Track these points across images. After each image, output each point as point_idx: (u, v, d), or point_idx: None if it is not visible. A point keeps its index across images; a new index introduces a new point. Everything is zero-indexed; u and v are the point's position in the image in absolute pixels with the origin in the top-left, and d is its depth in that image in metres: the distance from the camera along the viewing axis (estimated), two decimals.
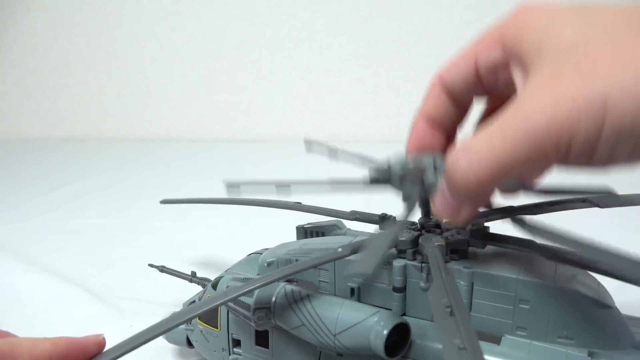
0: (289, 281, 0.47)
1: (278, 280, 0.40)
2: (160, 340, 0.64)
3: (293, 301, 0.42)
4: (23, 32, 2.16)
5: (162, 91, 2.12)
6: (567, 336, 0.37)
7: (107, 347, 0.38)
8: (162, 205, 1.42)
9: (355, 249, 0.41)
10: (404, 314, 0.43)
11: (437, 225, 0.45)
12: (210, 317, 0.53)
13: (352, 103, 1.98)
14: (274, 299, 0.43)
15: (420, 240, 0.42)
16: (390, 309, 0.42)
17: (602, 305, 0.37)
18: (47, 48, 2.16)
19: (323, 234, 0.57)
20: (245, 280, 0.46)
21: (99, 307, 0.83)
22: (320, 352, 0.45)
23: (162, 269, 0.74)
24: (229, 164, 1.71)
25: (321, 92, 1.99)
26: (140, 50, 2.08)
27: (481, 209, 0.43)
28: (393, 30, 1.87)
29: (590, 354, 0.36)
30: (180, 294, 0.74)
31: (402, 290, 0.42)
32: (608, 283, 0.39)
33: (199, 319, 0.55)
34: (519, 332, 0.38)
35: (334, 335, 0.40)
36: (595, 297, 0.37)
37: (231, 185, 0.58)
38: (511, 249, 0.42)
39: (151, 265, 0.76)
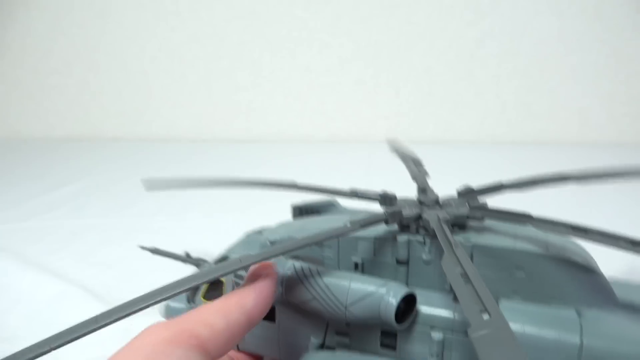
0: (295, 259, 0.47)
1: (285, 253, 0.40)
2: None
3: (303, 276, 0.43)
4: (23, 32, 2.16)
5: (162, 91, 2.12)
6: (557, 298, 0.41)
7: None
8: (162, 205, 1.43)
9: (362, 224, 0.42)
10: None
11: (437, 202, 0.47)
12: (216, 295, 0.53)
13: (352, 103, 1.98)
14: (284, 274, 0.44)
15: (423, 215, 0.44)
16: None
17: (589, 269, 0.41)
18: (47, 48, 2.16)
19: (319, 212, 0.58)
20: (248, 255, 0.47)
21: (99, 307, 0.83)
22: (328, 323, 0.46)
23: (155, 251, 0.74)
24: (229, 164, 1.71)
25: (321, 92, 1.99)
26: (140, 50, 2.08)
27: (477, 188, 0.48)
28: (393, 30, 1.87)
29: (578, 313, 0.39)
30: None
31: (405, 263, 0.44)
32: (593, 250, 0.43)
33: (203, 297, 0.55)
34: (514, 296, 0.42)
35: (345, 307, 0.42)
36: (583, 263, 0.41)
37: (151, 184, 0.62)
38: (507, 221, 0.44)
39: (143, 248, 0.75)
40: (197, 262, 0.69)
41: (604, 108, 1.81)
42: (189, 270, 0.79)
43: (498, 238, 0.43)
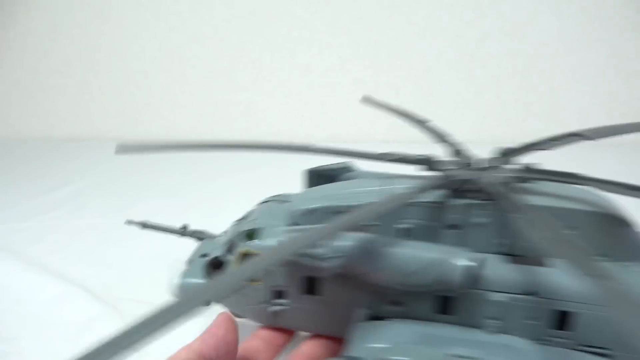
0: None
1: (351, 227, 0.40)
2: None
3: (367, 247, 0.43)
4: (23, 32, 2.16)
5: (162, 91, 2.12)
6: (604, 254, 0.43)
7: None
8: (162, 205, 1.43)
9: (422, 189, 0.42)
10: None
11: (486, 164, 0.47)
12: None
13: (352, 103, 1.97)
14: (344, 245, 0.43)
15: (480, 179, 0.44)
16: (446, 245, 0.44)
17: (630, 224, 0.44)
18: (47, 48, 2.16)
19: (333, 178, 0.56)
20: (312, 229, 0.44)
21: (99, 307, 0.83)
22: (380, 292, 0.45)
23: (145, 225, 0.71)
24: (229, 164, 1.71)
25: (321, 92, 1.99)
26: (140, 50, 2.08)
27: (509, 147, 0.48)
28: (393, 30, 1.87)
29: (623, 267, 0.42)
30: None
31: (457, 227, 0.44)
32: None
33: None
34: None
35: (410, 275, 0.42)
36: (626, 219, 0.43)
37: (123, 148, 0.59)
38: (562, 181, 0.45)
39: (130, 222, 0.72)
40: (198, 236, 0.66)
41: (604, 108, 1.81)
42: (188, 247, 0.76)
43: (549, 199, 0.44)
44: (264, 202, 0.60)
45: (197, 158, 1.85)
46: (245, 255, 0.50)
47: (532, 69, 1.82)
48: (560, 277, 0.41)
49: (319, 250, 0.43)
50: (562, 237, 0.34)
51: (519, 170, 0.46)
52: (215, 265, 0.56)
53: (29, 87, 2.23)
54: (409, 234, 0.45)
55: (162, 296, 0.84)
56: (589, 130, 0.50)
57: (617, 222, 0.43)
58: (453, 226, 0.44)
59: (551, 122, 1.86)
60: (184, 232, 0.66)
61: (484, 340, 0.41)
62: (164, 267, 0.96)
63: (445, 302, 0.44)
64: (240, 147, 0.58)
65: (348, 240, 0.43)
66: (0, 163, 1.85)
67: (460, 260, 0.41)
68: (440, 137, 0.56)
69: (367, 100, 0.69)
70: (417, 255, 0.42)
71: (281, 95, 2.02)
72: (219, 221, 1.14)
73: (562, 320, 0.41)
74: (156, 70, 2.10)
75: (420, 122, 0.61)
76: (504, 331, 0.42)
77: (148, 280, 0.89)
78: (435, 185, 0.44)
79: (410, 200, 0.43)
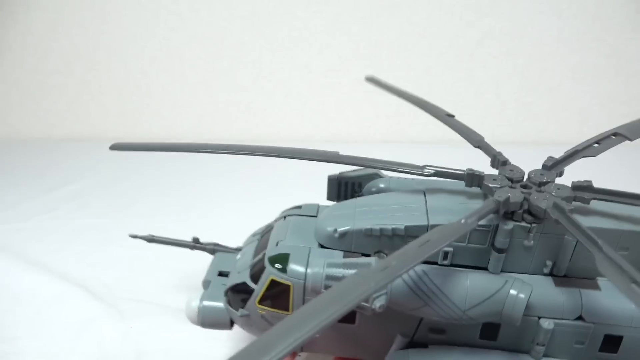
0: (378, 252, 0.44)
1: (414, 265, 0.36)
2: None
3: (413, 282, 0.40)
4: (23, 32, 2.16)
5: (162, 91, 2.12)
6: None
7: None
8: (162, 205, 1.43)
9: (479, 217, 0.39)
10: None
11: (538, 183, 0.45)
12: (276, 300, 0.47)
13: (352, 103, 1.98)
14: (398, 282, 0.40)
15: (530, 200, 0.42)
16: (487, 268, 0.42)
17: None
18: (47, 48, 2.16)
19: (360, 185, 0.54)
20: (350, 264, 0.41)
21: (99, 307, 0.83)
22: (420, 320, 0.43)
23: (151, 239, 0.69)
24: (229, 164, 1.71)
25: (321, 92, 1.99)
26: (140, 50, 2.08)
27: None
28: (393, 30, 1.87)
29: None
30: (180, 294, 0.74)
31: (504, 250, 0.42)
32: None
33: (258, 302, 0.49)
34: None
35: (464, 311, 0.39)
36: None
37: (117, 146, 0.55)
38: (612, 201, 0.44)
39: (134, 236, 0.69)
40: (212, 249, 0.64)
41: (604, 108, 1.81)
42: (196, 259, 0.74)
43: (601, 219, 0.43)
44: (286, 216, 0.56)
45: (197, 157, 1.84)
46: (274, 283, 0.47)
47: (532, 69, 1.82)
48: (608, 300, 0.41)
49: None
50: (612, 258, 0.34)
51: (570, 190, 0.45)
52: (239, 291, 0.52)
53: (29, 87, 2.23)
54: (449, 257, 0.43)
55: (162, 297, 0.84)
56: (626, 127, 0.49)
57: None
58: (499, 250, 0.42)
59: (551, 122, 1.86)
60: (194, 245, 0.64)
61: None
62: (165, 267, 0.96)
63: (490, 327, 0.43)
64: (257, 153, 0.54)
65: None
66: (0, 163, 1.85)
67: (525, 292, 0.39)
68: (472, 138, 0.53)
69: (372, 80, 0.67)
70: (473, 290, 0.39)
71: (281, 95, 2.02)
72: (222, 221, 1.14)
73: (610, 343, 0.41)
74: (156, 70, 2.10)
75: (444, 116, 0.58)
76: (551, 355, 0.42)
77: (148, 280, 0.89)
78: (494, 210, 0.41)
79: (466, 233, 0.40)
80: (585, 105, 1.82)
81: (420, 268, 0.41)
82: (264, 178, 1.48)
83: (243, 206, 1.29)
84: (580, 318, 0.41)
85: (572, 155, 0.49)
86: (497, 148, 0.55)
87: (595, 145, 0.50)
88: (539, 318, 0.41)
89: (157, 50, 2.11)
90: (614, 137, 0.50)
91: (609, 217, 0.44)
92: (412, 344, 0.44)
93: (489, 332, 0.43)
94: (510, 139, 1.89)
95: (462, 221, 0.38)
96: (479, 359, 0.42)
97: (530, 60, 1.81)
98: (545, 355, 0.42)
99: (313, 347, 0.50)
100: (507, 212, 0.43)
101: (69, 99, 2.25)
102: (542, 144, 1.81)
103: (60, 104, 2.26)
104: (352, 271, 0.41)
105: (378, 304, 0.38)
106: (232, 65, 2.05)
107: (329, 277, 0.42)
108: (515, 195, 0.43)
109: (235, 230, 1.11)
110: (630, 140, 0.50)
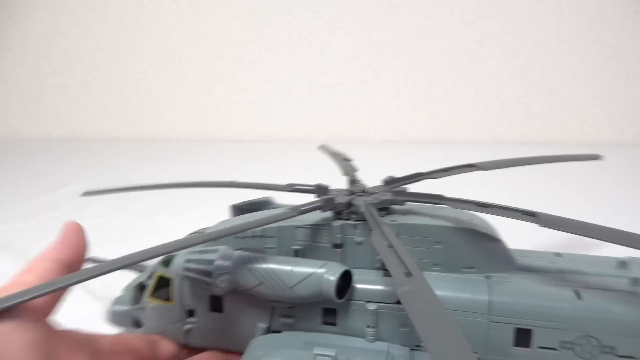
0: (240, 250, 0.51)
1: (230, 234, 0.46)
2: None
3: (250, 264, 0.47)
4: (23, 32, 2.16)
5: (162, 91, 2.12)
6: (469, 266, 0.48)
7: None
8: (162, 205, 1.43)
9: (300, 210, 0.48)
10: None
11: (364, 190, 0.54)
12: (162, 293, 0.55)
13: (352, 103, 1.98)
14: (231, 264, 0.48)
15: (354, 202, 0.50)
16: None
17: (493, 239, 0.48)
18: (47, 48, 2.16)
19: (257, 210, 0.62)
20: (204, 251, 0.50)
21: (99, 307, 0.83)
22: (273, 307, 0.50)
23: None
24: (229, 164, 1.71)
25: (321, 92, 1.99)
26: (140, 50, 2.08)
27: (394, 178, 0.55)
28: (393, 30, 1.87)
29: (486, 277, 0.47)
30: None
31: (341, 246, 0.50)
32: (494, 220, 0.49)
33: (149, 296, 0.56)
34: (434, 268, 0.48)
35: (290, 288, 0.46)
36: (488, 233, 0.48)
37: (88, 193, 0.68)
38: (424, 202, 0.51)
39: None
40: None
41: (604, 108, 1.81)
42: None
43: (419, 217, 0.50)
44: (190, 234, 0.64)
45: (198, 157, 1.85)
46: (161, 278, 0.54)
47: (532, 69, 1.82)
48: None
49: (206, 268, 0.48)
50: (394, 245, 0.40)
51: (390, 194, 0.52)
52: (142, 289, 0.60)
53: (29, 87, 2.23)
54: (302, 254, 0.50)
55: None
56: (484, 163, 0.56)
57: (478, 236, 0.47)
58: (338, 245, 0.50)
59: (551, 122, 1.86)
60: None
61: (357, 346, 0.45)
62: None
63: (330, 314, 0.48)
64: (169, 186, 0.66)
65: (230, 259, 0.48)
66: (0, 163, 1.85)
67: (335, 274, 0.45)
68: (346, 171, 0.62)
69: (323, 149, 0.76)
70: (295, 271, 0.46)
71: (281, 95, 2.02)
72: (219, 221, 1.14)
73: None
74: (156, 70, 2.10)
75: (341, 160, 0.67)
76: (382, 339, 0.46)
77: None
78: (316, 207, 0.49)
79: (288, 219, 0.47)
80: (585, 105, 1.82)
81: (258, 255, 0.48)
82: (266, 178, 1.48)
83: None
84: (399, 302, 0.45)
85: (414, 176, 0.56)
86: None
87: (444, 172, 0.56)
88: (367, 302, 0.47)
89: (157, 50, 2.11)
90: (467, 167, 0.56)
91: (426, 216, 0.50)
92: (270, 331, 0.50)
93: (329, 317, 0.48)
94: (510, 139, 1.89)
95: (286, 210, 0.47)
96: (312, 338, 0.47)
97: (530, 60, 1.81)
98: (379, 340, 0.46)
99: (193, 340, 0.55)
100: (337, 212, 0.50)
101: (69, 99, 2.25)
102: (542, 144, 1.82)
103: (60, 104, 2.26)
104: (203, 254, 0.49)
105: (219, 279, 0.47)
106: (232, 65, 2.06)
107: (187, 261, 0.51)
108: (341, 197, 0.51)
109: None
110: (484, 170, 0.55)
